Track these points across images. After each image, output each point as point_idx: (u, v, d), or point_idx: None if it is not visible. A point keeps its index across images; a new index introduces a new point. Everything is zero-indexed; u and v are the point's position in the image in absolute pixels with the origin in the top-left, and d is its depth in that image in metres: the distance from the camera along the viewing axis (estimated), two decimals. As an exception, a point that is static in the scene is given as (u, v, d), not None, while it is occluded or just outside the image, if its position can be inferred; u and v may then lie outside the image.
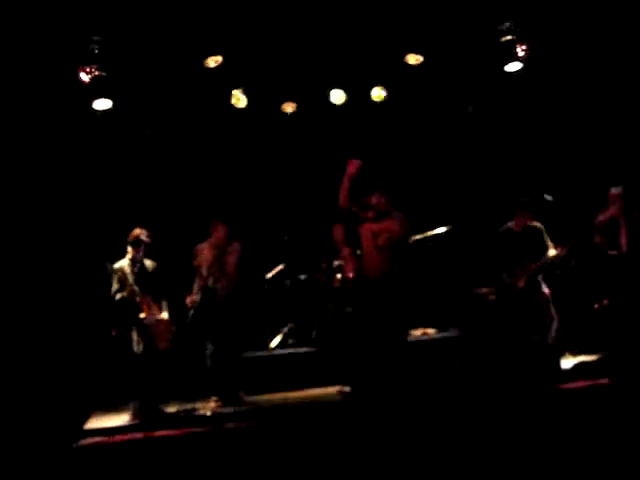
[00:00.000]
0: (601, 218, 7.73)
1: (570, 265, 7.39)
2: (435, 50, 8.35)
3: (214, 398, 7.23)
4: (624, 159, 8.57)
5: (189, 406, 7.22)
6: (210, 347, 7.37)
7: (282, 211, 9.37)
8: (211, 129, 9.09)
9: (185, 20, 7.56)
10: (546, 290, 7.58)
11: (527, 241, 7.61)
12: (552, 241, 7.49)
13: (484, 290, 8.12)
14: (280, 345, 8.55)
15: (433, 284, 8.73)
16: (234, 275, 7.60)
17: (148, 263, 7.21)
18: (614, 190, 7.73)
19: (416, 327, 8.26)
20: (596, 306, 7.88)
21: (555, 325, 7.47)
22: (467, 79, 8.89)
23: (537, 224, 7.58)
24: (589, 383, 6.42)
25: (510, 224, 7.75)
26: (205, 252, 7.48)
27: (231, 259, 7.61)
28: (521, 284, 7.55)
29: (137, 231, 7.10)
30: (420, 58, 8.33)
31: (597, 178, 8.41)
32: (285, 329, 8.67)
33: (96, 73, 7.56)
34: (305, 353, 8.23)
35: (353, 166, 6.63)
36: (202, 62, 7.98)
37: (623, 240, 7.59)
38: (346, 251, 8.08)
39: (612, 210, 7.73)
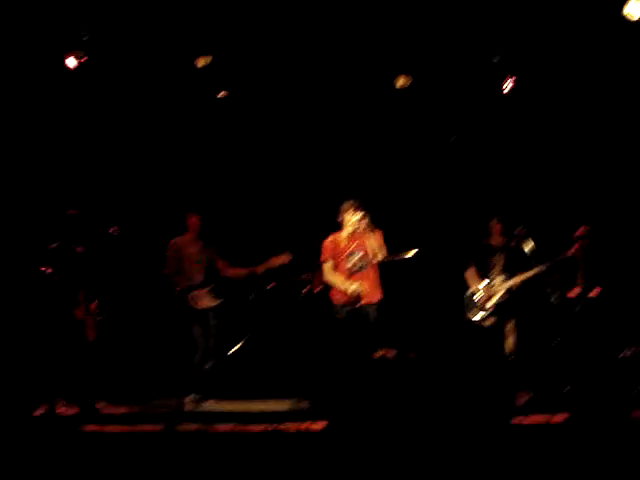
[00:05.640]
0: (562, 256, 7.80)
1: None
2: (423, 73, 8.39)
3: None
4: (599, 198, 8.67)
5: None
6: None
7: (256, 222, 9.31)
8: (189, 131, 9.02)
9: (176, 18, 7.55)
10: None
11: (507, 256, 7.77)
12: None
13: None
14: (238, 353, 8.48)
15: (400, 305, 8.76)
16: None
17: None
18: (580, 229, 7.81)
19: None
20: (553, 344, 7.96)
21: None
22: (453, 105, 8.96)
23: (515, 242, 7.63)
24: (546, 418, 6.48)
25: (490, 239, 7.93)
26: (188, 248, 7.44)
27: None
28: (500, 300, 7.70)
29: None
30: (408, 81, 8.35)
31: (570, 214, 8.50)
32: (245, 338, 8.60)
33: (83, 60, 7.52)
34: (263, 362, 8.20)
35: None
36: (192, 61, 7.92)
37: (579, 280, 7.67)
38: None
39: (572, 248, 7.79)
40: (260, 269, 7.54)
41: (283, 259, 7.49)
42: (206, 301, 7.31)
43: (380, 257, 7.15)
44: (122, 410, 7.04)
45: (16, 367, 7.04)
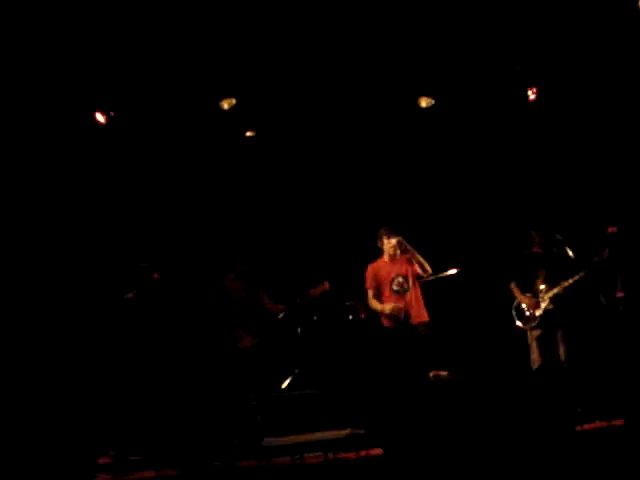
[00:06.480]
0: (596, 259, 7.70)
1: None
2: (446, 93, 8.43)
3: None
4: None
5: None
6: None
7: (299, 249, 9.37)
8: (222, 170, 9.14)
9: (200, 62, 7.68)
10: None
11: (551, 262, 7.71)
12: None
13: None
14: (291, 386, 8.50)
15: (445, 326, 8.72)
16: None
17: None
18: (610, 229, 7.72)
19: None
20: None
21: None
22: (478, 120, 8.97)
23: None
24: (604, 424, 6.41)
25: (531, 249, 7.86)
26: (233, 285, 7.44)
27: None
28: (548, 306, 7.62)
29: None
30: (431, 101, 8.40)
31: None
32: (296, 370, 8.63)
33: (112, 114, 7.67)
34: (316, 394, 8.18)
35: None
36: (217, 104, 8.04)
37: (619, 281, 7.58)
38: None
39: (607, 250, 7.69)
40: (299, 301, 7.58)
41: (323, 288, 7.52)
42: (248, 341, 7.31)
43: (426, 274, 7.15)
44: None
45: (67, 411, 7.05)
